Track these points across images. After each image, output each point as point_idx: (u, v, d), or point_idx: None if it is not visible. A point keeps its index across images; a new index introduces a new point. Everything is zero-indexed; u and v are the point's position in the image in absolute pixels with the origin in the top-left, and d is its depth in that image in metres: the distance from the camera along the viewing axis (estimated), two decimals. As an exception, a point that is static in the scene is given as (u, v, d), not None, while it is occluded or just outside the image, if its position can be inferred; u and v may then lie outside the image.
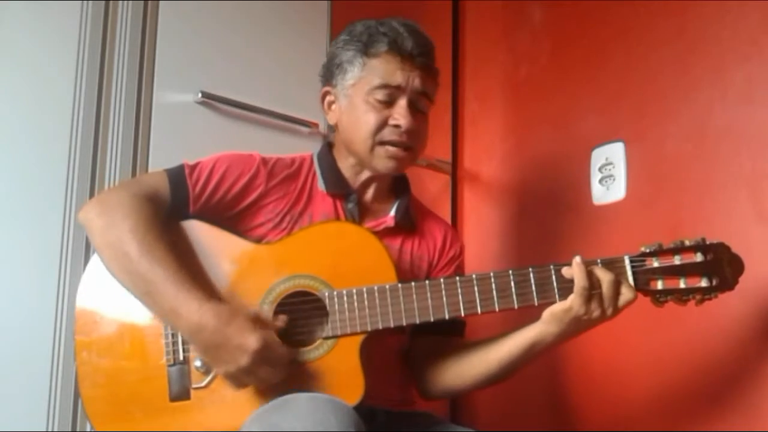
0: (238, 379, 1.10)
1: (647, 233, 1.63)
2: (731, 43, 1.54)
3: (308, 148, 1.38)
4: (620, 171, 1.72)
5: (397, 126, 1.27)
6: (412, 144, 1.30)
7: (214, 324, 1.08)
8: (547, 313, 1.17)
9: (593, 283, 1.14)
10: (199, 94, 1.73)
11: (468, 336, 1.36)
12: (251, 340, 1.07)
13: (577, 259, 1.15)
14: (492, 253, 2.00)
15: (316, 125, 1.91)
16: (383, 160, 1.29)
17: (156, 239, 1.13)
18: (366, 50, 1.29)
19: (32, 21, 1.53)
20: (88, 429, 1.47)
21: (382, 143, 1.28)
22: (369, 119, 1.27)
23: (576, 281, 1.13)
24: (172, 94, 1.72)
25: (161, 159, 1.32)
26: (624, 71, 1.74)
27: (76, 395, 1.47)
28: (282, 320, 1.15)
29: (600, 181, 1.76)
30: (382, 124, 1.28)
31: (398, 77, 1.27)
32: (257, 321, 1.10)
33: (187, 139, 1.71)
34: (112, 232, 1.13)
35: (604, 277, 1.14)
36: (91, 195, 1.55)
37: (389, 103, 1.28)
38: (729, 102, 1.53)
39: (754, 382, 1.42)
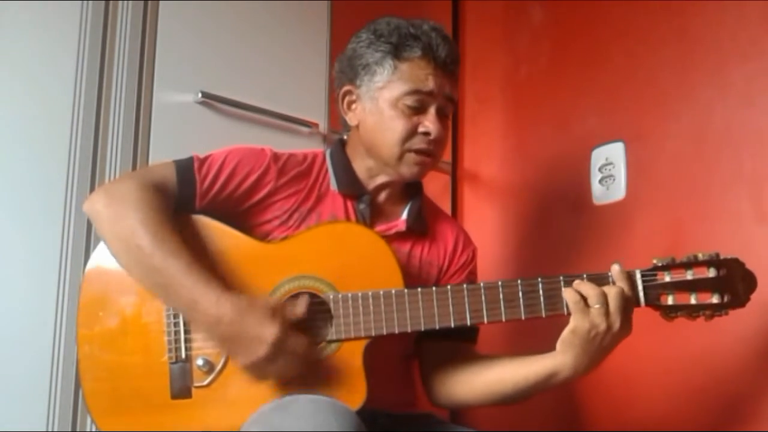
0: (259, 370, 1.09)
1: (647, 233, 1.64)
2: (731, 43, 1.54)
3: (308, 148, 1.37)
4: (620, 171, 1.72)
5: (426, 134, 1.25)
6: (437, 151, 1.29)
7: (231, 315, 1.07)
8: (558, 343, 1.14)
9: (597, 296, 1.11)
10: (199, 94, 1.73)
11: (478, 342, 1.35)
12: (269, 331, 1.06)
13: (566, 287, 1.13)
14: (492, 253, 2.00)
15: (316, 125, 1.91)
16: (410, 167, 1.27)
17: (169, 232, 1.12)
18: (397, 53, 1.25)
19: (32, 21, 1.53)
20: (88, 428, 1.47)
21: (411, 151, 1.26)
22: (398, 126, 1.25)
23: (567, 299, 1.12)
24: (172, 94, 1.71)
25: (161, 159, 1.32)
26: (624, 71, 1.74)
27: (77, 394, 1.47)
28: (301, 306, 1.12)
29: (600, 181, 1.76)
30: (412, 132, 1.25)
31: (430, 83, 1.24)
32: (275, 311, 1.09)
33: (187, 139, 1.71)
34: (123, 223, 1.12)
35: (609, 290, 1.11)
36: (91, 195, 1.54)
37: (418, 109, 1.25)
38: (729, 102, 1.53)
39: (758, 383, 1.42)
